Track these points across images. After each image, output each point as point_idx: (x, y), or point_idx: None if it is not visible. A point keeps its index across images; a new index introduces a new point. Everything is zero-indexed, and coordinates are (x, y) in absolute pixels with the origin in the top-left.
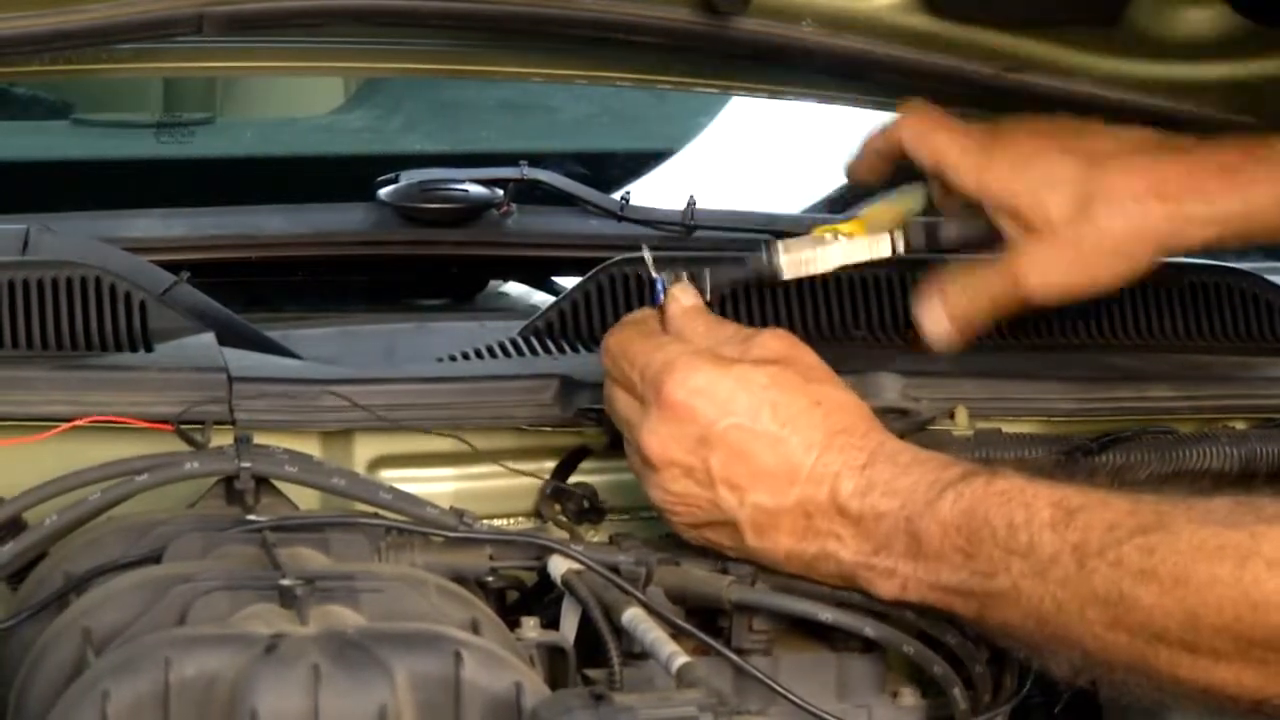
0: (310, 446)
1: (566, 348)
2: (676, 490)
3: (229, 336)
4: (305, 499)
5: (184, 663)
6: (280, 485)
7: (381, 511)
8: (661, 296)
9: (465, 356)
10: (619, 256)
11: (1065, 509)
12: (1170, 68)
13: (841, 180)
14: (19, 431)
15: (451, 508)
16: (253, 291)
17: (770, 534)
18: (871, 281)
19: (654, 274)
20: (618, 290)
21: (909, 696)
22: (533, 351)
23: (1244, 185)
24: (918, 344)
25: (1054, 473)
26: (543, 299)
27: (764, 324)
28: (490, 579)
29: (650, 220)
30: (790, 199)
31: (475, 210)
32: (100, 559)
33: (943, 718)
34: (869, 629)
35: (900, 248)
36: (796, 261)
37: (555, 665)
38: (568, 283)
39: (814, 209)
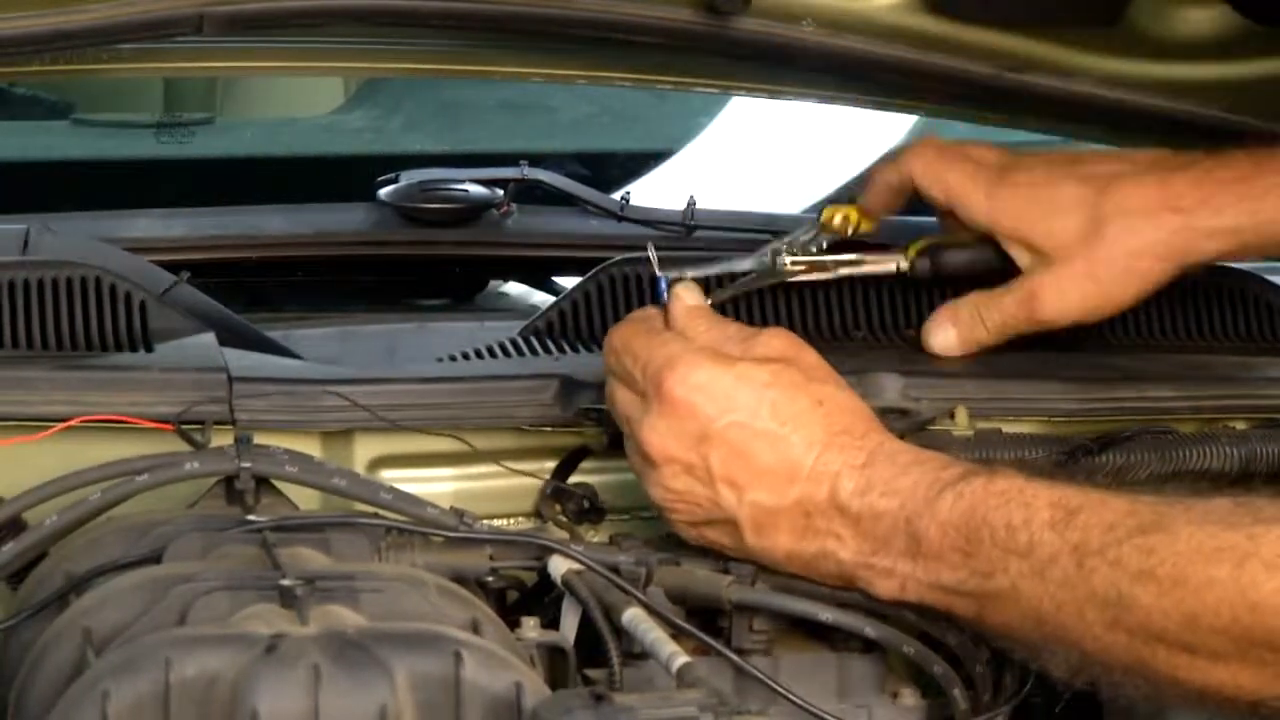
0: (310, 446)
1: (567, 348)
2: (677, 488)
3: (229, 336)
4: (305, 499)
5: (184, 663)
6: (280, 485)
7: (381, 511)
8: (665, 295)
9: (465, 356)
10: (619, 257)
11: (1065, 509)
12: (1170, 68)
13: (841, 180)
14: (19, 431)
15: (451, 508)
16: (253, 291)
17: (770, 533)
18: (872, 282)
19: (658, 272)
20: (618, 290)
21: (909, 696)
22: (533, 351)
23: (1256, 197)
24: (919, 344)
25: (1054, 473)
26: (543, 299)
27: (765, 324)
28: (490, 579)
29: (650, 220)
30: (790, 199)
31: (475, 210)
32: (100, 559)
33: (943, 718)
34: (869, 629)
35: (905, 269)
36: (801, 267)
37: (555, 665)
38: (568, 283)
39: (814, 209)
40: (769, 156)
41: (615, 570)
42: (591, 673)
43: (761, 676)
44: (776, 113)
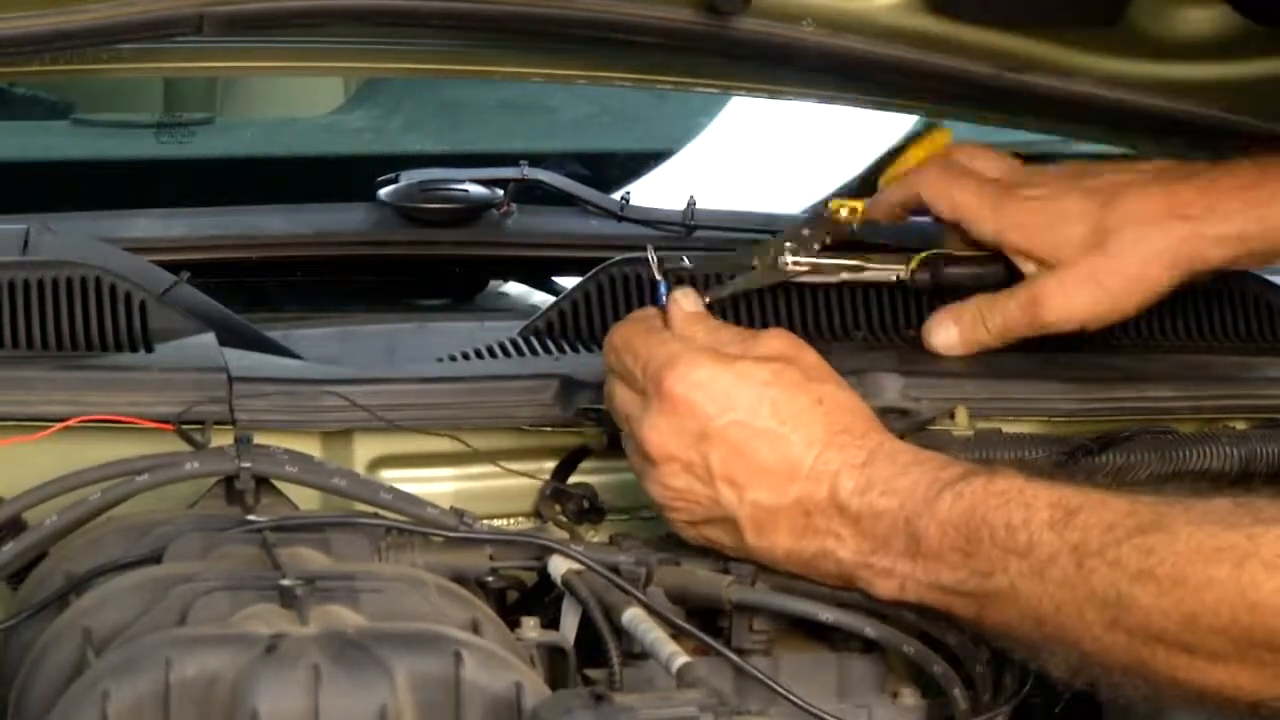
0: (310, 446)
1: (566, 348)
2: (676, 486)
3: (229, 336)
4: (305, 499)
5: (184, 663)
6: (280, 485)
7: (381, 511)
8: (664, 297)
9: (465, 356)
10: (619, 257)
11: (1064, 509)
12: (1170, 68)
13: (841, 180)
14: (19, 431)
15: (451, 508)
16: (253, 291)
17: (769, 532)
18: (872, 284)
19: (657, 275)
20: (618, 290)
21: (909, 696)
22: (533, 351)
23: (1263, 203)
24: (918, 344)
25: (1054, 473)
26: (543, 299)
27: (764, 323)
28: (490, 579)
29: (650, 220)
30: (790, 199)
31: (475, 210)
32: (100, 559)
33: (943, 718)
34: (869, 629)
35: (905, 279)
36: (802, 268)
37: (555, 665)
38: (568, 283)
39: (814, 209)
40: (769, 156)
41: (615, 570)
42: (591, 673)
43: (761, 676)
44: (776, 113)
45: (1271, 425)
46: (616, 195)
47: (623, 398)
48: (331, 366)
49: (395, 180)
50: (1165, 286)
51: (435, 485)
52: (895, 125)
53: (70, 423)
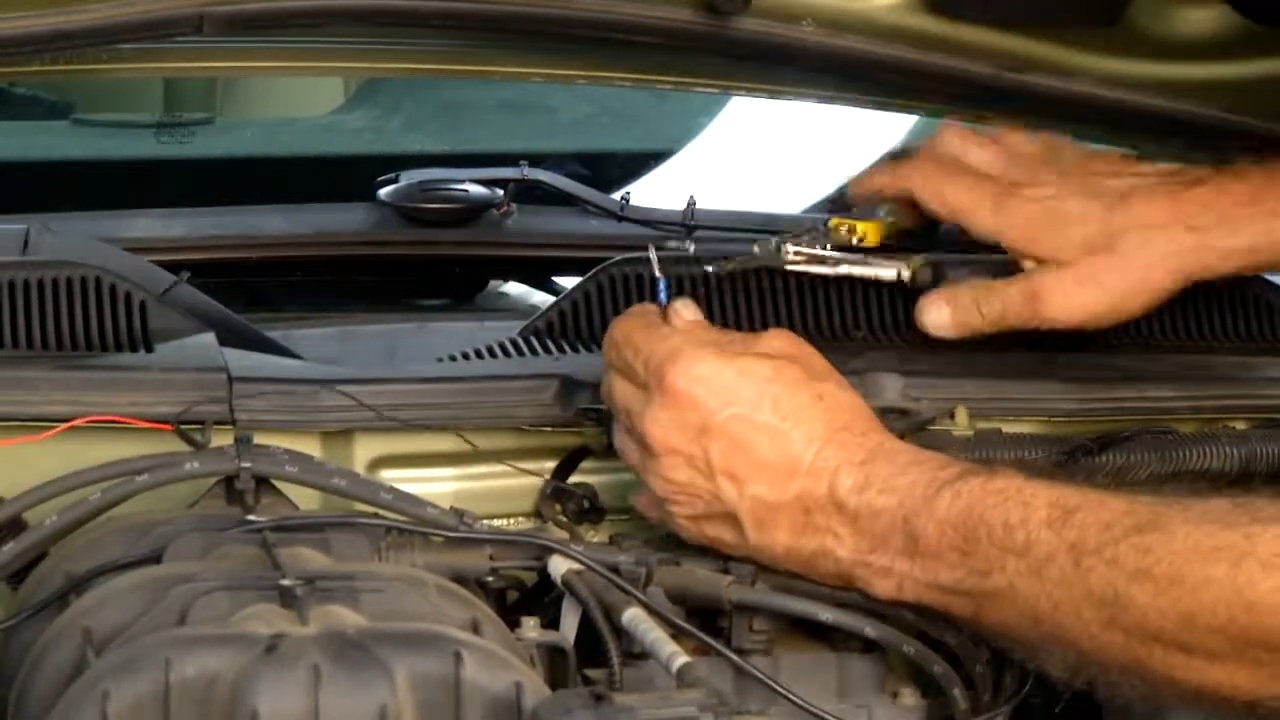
0: (310, 447)
1: (566, 348)
2: (678, 480)
3: (229, 336)
4: (305, 499)
5: (184, 663)
6: (280, 485)
7: (382, 512)
8: (664, 296)
9: (466, 356)
10: (619, 257)
11: (1062, 508)
12: (1170, 68)
13: (841, 180)
14: (19, 431)
15: (451, 508)
16: (253, 291)
17: (770, 528)
18: (873, 283)
19: (658, 273)
20: (618, 290)
21: (909, 696)
22: (533, 351)
23: (1271, 214)
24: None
25: (1053, 473)
26: (543, 299)
27: (764, 322)
28: (490, 579)
29: (650, 220)
30: (790, 199)
31: (475, 210)
32: (100, 559)
33: (943, 718)
34: (869, 629)
35: (906, 278)
36: (801, 259)
37: (555, 665)
38: (568, 283)
39: (814, 209)
40: (769, 156)
41: (615, 570)
42: (591, 673)
43: (761, 676)
44: (776, 113)
45: (1271, 425)
46: (616, 195)
47: (623, 392)
48: (332, 367)
49: (395, 180)
50: (1166, 293)
51: (435, 485)
52: (895, 125)
53: (75, 423)
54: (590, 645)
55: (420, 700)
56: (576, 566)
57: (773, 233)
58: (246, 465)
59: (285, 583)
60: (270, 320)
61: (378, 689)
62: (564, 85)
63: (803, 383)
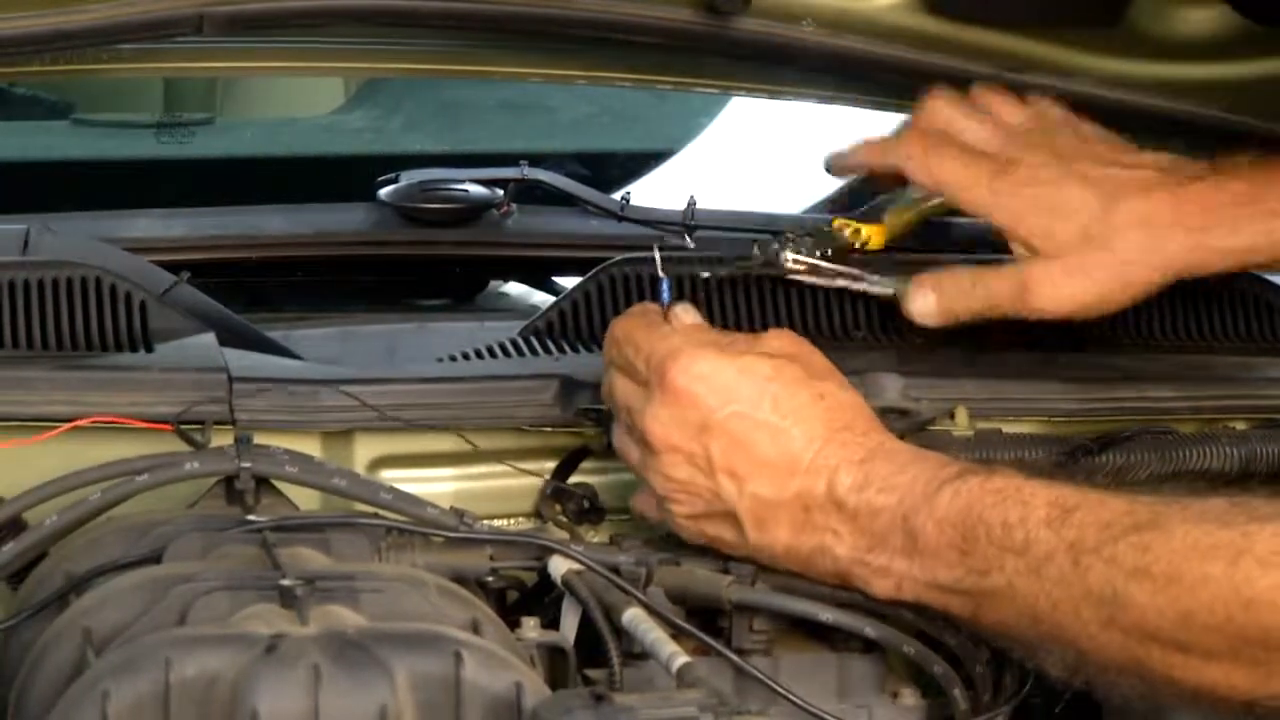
0: (311, 447)
1: (566, 348)
2: (678, 477)
3: (229, 336)
4: (305, 499)
5: (184, 663)
6: (280, 485)
7: (382, 512)
8: (667, 296)
9: (466, 356)
10: (619, 257)
11: (1061, 507)
12: (1170, 68)
13: (841, 181)
14: (19, 432)
15: (452, 508)
16: (253, 291)
17: (770, 527)
18: None
19: (661, 274)
20: (618, 290)
21: (909, 696)
22: (533, 351)
23: (1267, 214)
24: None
25: (1053, 472)
26: (543, 299)
27: (764, 323)
28: (490, 579)
29: (650, 220)
30: (790, 199)
31: (475, 210)
32: (100, 559)
33: (943, 718)
34: (869, 629)
35: (900, 296)
36: (801, 269)
37: (555, 665)
38: (568, 283)
39: (814, 209)
40: (769, 156)
41: (615, 570)
42: (591, 673)
43: (761, 676)
44: (776, 113)
45: (1271, 425)
46: (616, 195)
47: (624, 390)
48: (332, 367)
49: (395, 180)
50: (1156, 288)
51: (435, 485)
52: (895, 125)
53: (77, 424)
54: (590, 645)
55: (420, 700)
56: (576, 567)
57: (774, 233)
58: (246, 465)
59: (285, 583)
60: (270, 320)
61: (378, 689)
62: (564, 85)
63: (803, 381)
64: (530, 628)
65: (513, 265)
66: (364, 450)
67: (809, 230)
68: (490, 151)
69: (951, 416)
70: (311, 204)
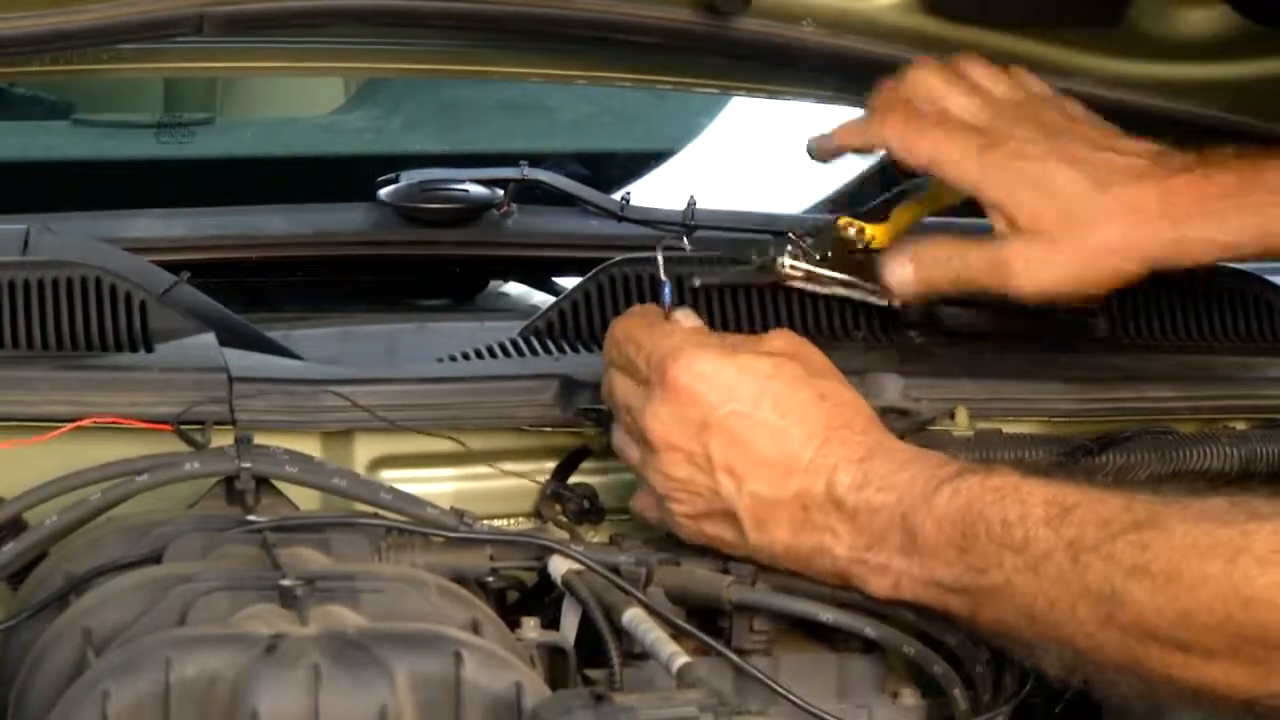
0: (311, 447)
1: (567, 348)
2: (678, 476)
3: (229, 337)
4: (305, 499)
5: (184, 663)
6: (280, 485)
7: (382, 512)
8: (668, 298)
9: (466, 357)
10: (619, 257)
11: (1060, 505)
12: (1170, 68)
13: (841, 181)
14: (19, 432)
15: (452, 508)
16: (253, 291)
17: (769, 526)
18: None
19: (663, 276)
20: (618, 290)
21: (909, 696)
22: (533, 352)
23: (1254, 208)
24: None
25: (1052, 472)
26: (543, 299)
27: (764, 322)
28: (490, 579)
29: (650, 220)
30: (790, 199)
31: (475, 210)
32: (100, 559)
33: (943, 718)
34: (869, 629)
35: (897, 305)
36: (798, 274)
37: (555, 665)
38: (568, 283)
39: (814, 209)
40: (769, 156)
41: (615, 570)
42: (591, 673)
43: (761, 676)
44: (776, 113)
45: (1271, 425)
46: (616, 195)
47: (624, 389)
48: (331, 366)
49: (395, 180)
50: (1134, 278)
51: (435, 485)
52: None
53: (79, 423)
54: (590, 645)
55: (420, 700)
56: (577, 567)
57: (775, 233)
58: (246, 465)
59: (285, 583)
60: (270, 320)
61: (378, 689)
62: (564, 85)
63: (804, 381)
64: (530, 628)
65: (513, 265)
66: (364, 450)
67: (812, 230)
68: (490, 151)
69: (951, 416)
70: (311, 204)
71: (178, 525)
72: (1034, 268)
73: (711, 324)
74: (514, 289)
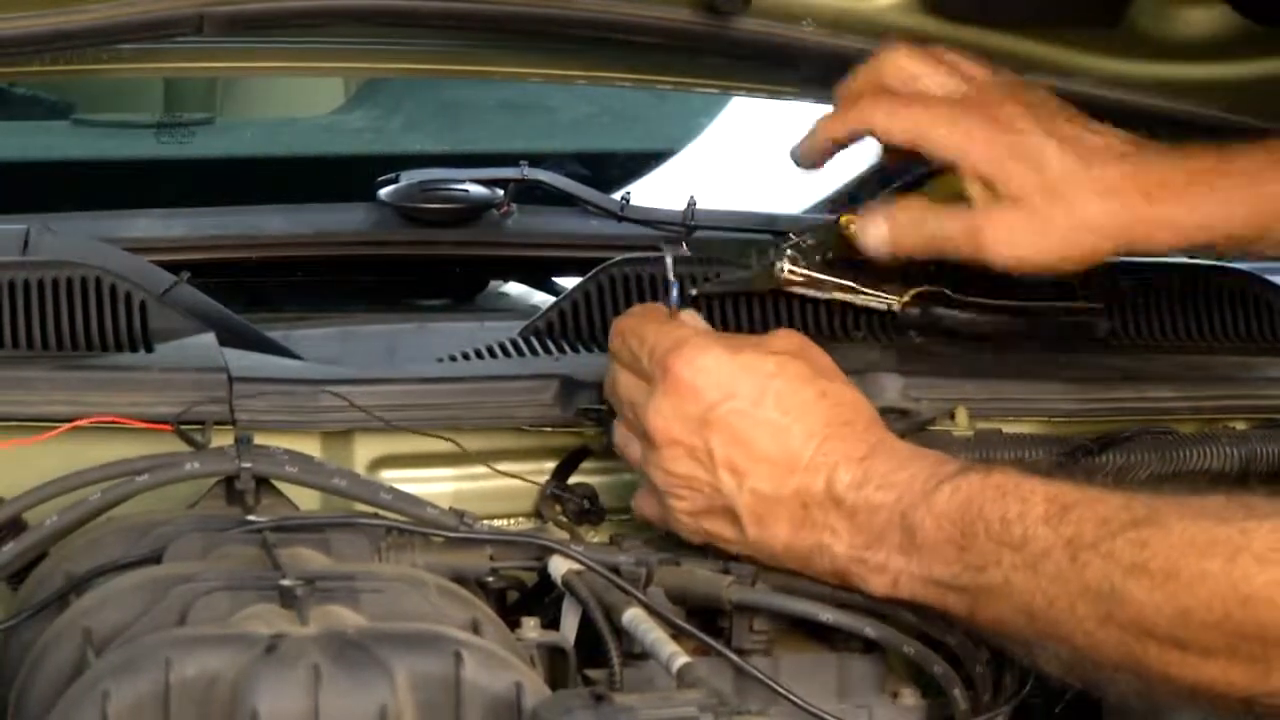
0: (311, 447)
1: (566, 348)
2: (679, 472)
3: (229, 337)
4: (305, 499)
5: (184, 663)
6: (280, 485)
7: (382, 512)
8: (675, 300)
9: (466, 357)
10: (619, 257)
11: (1059, 504)
12: (1170, 68)
13: (841, 181)
14: (19, 432)
15: (452, 508)
16: (253, 291)
17: (769, 524)
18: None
19: (671, 278)
20: (618, 290)
21: (909, 696)
22: (533, 352)
23: (1222, 196)
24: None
25: (1052, 472)
26: (543, 299)
27: (765, 322)
28: (490, 579)
29: (650, 220)
30: (790, 199)
31: (475, 210)
32: (100, 559)
33: (943, 718)
34: (869, 629)
35: (896, 310)
36: (797, 279)
37: (555, 665)
38: (568, 283)
39: (814, 209)
40: (769, 156)
41: (615, 570)
42: (591, 673)
43: (761, 676)
44: (776, 113)
45: (1271, 425)
46: (616, 195)
47: (626, 385)
48: (331, 366)
49: (395, 180)
50: (1106, 256)
51: (436, 485)
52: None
53: (78, 424)
54: (590, 645)
55: (420, 700)
56: (577, 567)
57: (776, 233)
58: (247, 465)
59: (285, 583)
60: (270, 320)
61: (378, 689)
62: (564, 85)
63: (806, 379)
64: (530, 628)
65: (513, 265)
66: (364, 450)
67: (814, 230)
68: (490, 151)
69: (951, 416)
70: (311, 204)
71: (178, 525)
72: (1013, 237)
73: (713, 324)
74: (514, 289)
